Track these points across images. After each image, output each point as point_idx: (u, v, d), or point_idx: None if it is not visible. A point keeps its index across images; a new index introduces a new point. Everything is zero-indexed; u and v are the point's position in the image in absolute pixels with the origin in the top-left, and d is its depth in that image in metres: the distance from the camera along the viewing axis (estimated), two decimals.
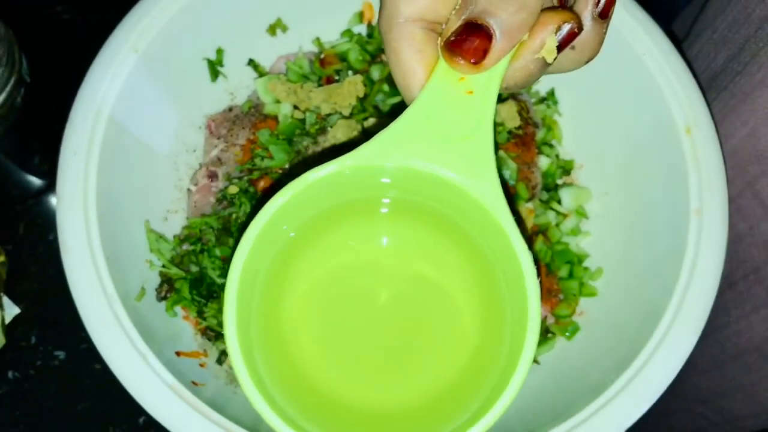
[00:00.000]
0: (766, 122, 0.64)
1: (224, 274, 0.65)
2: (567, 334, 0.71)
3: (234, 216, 0.67)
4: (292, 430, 0.41)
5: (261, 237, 0.43)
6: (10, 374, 0.74)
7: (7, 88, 0.66)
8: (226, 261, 0.66)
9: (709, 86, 0.72)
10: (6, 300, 0.75)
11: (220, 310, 0.66)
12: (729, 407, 0.85)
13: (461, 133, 0.43)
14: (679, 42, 0.70)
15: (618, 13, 0.69)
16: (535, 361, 0.69)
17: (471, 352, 0.47)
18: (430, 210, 0.47)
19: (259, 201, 0.68)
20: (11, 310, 0.75)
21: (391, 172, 0.43)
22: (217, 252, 0.66)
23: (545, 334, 0.71)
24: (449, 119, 0.42)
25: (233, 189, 0.68)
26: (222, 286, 0.66)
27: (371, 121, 0.69)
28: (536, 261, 0.71)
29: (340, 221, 0.48)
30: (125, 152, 0.66)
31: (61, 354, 0.74)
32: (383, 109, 0.71)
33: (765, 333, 0.73)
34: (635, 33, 0.68)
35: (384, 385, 0.48)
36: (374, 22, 0.78)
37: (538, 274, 0.42)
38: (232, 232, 0.66)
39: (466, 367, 0.47)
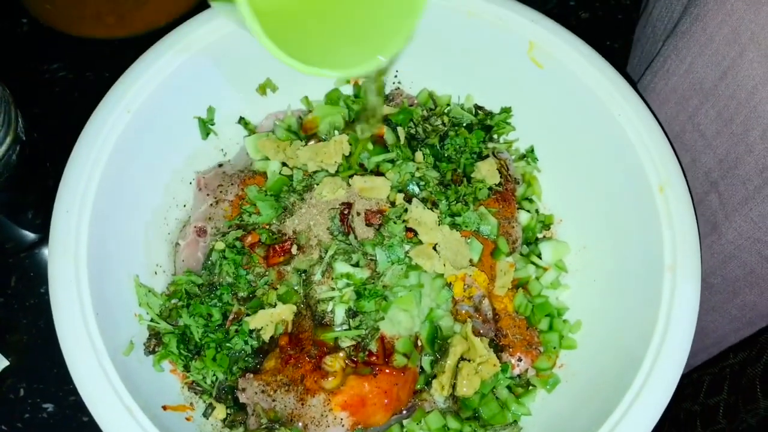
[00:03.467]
0: (701, 54, 0.66)
1: (207, 332, 0.67)
2: (547, 386, 0.72)
3: (219, 271, 0.69)
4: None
5: None
6: None
7: (3, 147, 0.68)
8: (209, 319, 0.67)
9: (669, 36, 0.74)
10: None
11: (205, 367, 0.67)
12: None
13: None
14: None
15: (593, 75, 0.72)
16: (515, 421, 0.70)
17: None
18: None
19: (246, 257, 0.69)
20: (0, 363, 0.76)
21: None
22: (202, 310, 0.67)
23: (526, 387, 0.72)
24: None
25: (220, 245, 0.70)
26: (204, 346, 0.67)
27: (356, 178, 0.71)
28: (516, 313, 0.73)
29: None
30: (116, 208, 0.68)
31: (49, 407, 0.75)
32: (368, 166, 0.73)
33: (710, 262, 0.74)
34: (610, 94, 0.71)
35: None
36: (361, 82, 0.80)
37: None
38: (216, 288, 0.68)
39: None
